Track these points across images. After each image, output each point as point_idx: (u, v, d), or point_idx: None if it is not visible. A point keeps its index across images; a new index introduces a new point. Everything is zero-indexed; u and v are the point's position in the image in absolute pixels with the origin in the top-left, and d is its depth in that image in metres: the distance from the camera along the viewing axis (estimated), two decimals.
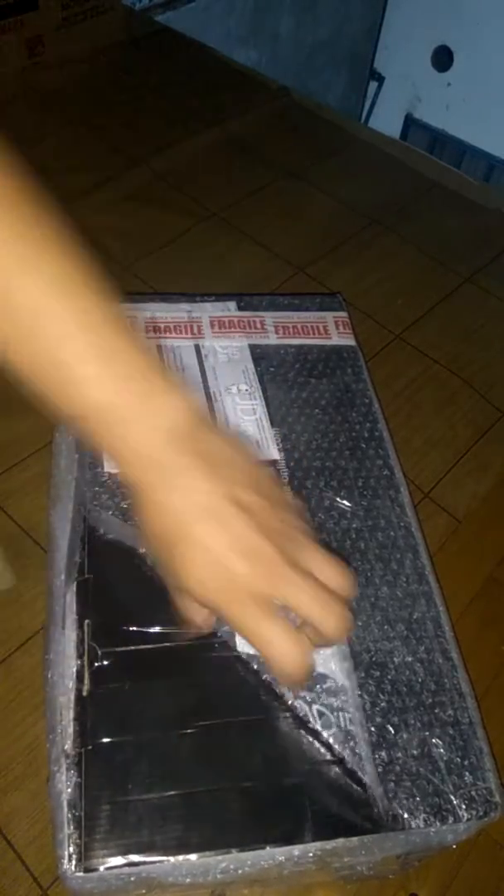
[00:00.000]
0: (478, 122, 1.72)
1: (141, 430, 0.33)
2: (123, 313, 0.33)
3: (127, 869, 0.36)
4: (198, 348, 0.59)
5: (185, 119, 0.98)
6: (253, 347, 0.60)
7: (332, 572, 0.35)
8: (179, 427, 0.33)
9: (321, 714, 0.42)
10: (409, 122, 1.90)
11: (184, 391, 0.34)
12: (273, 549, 0.33)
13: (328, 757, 0.41)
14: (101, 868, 0.36)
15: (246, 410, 0.55)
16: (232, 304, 0.63)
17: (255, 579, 0.32)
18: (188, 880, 0.39)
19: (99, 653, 0.42)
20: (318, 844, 0.38)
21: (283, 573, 0.33)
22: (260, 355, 0.60)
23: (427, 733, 0.42)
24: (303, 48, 1.68)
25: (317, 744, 0.41)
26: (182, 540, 0.33)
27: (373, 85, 1.92)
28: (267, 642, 0.32)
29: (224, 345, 0.60)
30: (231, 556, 0.32)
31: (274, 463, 0.53)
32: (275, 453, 0.53)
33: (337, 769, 0.40)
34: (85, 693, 0.40)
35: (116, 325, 0.33)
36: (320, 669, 0.43)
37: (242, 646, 0.43)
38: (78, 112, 0.97)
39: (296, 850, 0.38)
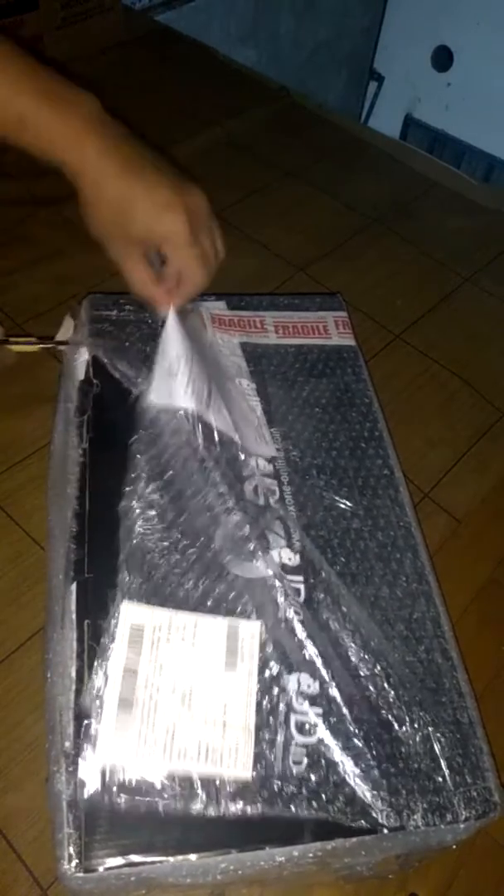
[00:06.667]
0: (478, 122, 1.72)
1: (72, 118, 0.46)
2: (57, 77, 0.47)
3: (127, 869, 0.37)
4: None
5: (185, 119, 0.98)
6: (250, 346, 0.60)
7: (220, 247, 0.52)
8: (98, 113, 0.47)
9: (317, 714, 0.42)
10: (409, 122, 1.90)
11: (93, 96, 0.48)
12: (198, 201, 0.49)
13: (327, 757, 0.41)
14: (101, 868, 0.36)
15: (245, 408, 0.55)
16: (231, 303, 0.63)
17: (191, 216, 0.48)
18: (188, 881, 0.39)
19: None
20: (317, 845, 0.39)
21: (205, 226, 0.50)
22: (260, 354, 0.60)
23: (426, 732, 0.42)
24: (303, 48, 1.68)
25: (314, 743, 0.41)
26: (132, 193, 0.47)
27: (373, 85, 1.92)
28: (203, 254, 0.50)
29: (224, 340, 0.60)
30: (175, 197, 0.47)
31: (273, 461, 0.53)
32: (274, 452, 0.53)
33: (336, 769, 0.40)
34: (85, 692, 0.40)
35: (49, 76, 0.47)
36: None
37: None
38: None
39: (295, 850, 0.38)
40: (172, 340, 0.53)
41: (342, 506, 0.51)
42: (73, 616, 0.43)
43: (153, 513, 0.47)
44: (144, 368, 0.54)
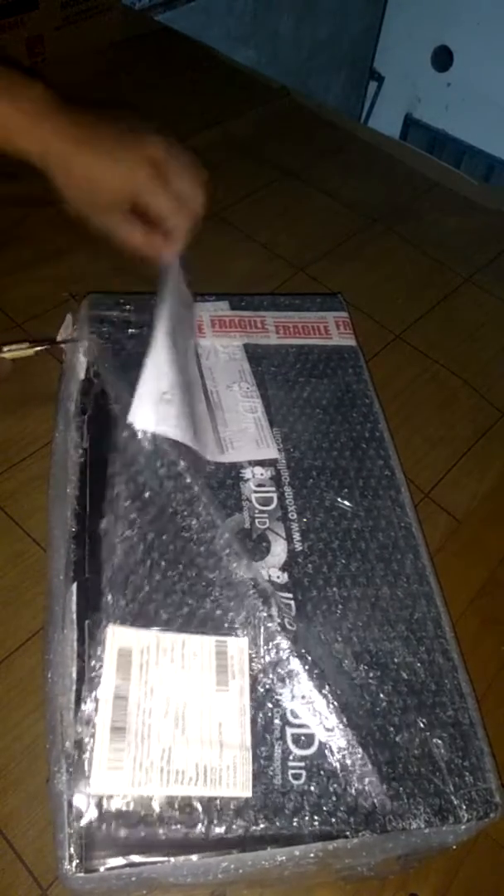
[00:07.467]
0: (477, 122, 1.72)
1: (23, 104, 0.46)
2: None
3: (128, 869, 0.36)
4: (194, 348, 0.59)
5: (185, 119, 0.98)
6: (251, 347, 0.60)
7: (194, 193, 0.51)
8: (48, 95, 0.47)
9: (313, 725, 0.42)
10: (409, 122, 1.90)
11: (41, 82, 0.47)
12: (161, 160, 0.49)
13: (326, 768, 0.40)
14: (102, 868, 0.36)
15: (246, 409, 0.55)
16: (232, 303, 0.63)
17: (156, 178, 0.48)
18: (189, 880, 0.39)
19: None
20: (318, 845, 0.38)
21: (174, 169, 0.50)
22: (261, 355, 0.60)
23: (427, 734, 0.42)
24: (303, 48, 1.68)
25: (317, 745, 0.41)
26: (96, 163, 0.47)
27: (373, 85, 1.92)
28: (178, 195, 0.50)
29: (225, 343, 0.60)
30: (134, 153, 0.48)
31: (274, 462, 0.53)
32: (275, 453, 0.53)
33: (337, 779, 0.40)
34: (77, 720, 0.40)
35: None
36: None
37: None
38: None
39: (297, 850, 0.38)
40: (162, 357, 0.49)
41: (343, 506, 0.51)
42: (74, 616, 0.43)
43: (133, 533, 0.46)
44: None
